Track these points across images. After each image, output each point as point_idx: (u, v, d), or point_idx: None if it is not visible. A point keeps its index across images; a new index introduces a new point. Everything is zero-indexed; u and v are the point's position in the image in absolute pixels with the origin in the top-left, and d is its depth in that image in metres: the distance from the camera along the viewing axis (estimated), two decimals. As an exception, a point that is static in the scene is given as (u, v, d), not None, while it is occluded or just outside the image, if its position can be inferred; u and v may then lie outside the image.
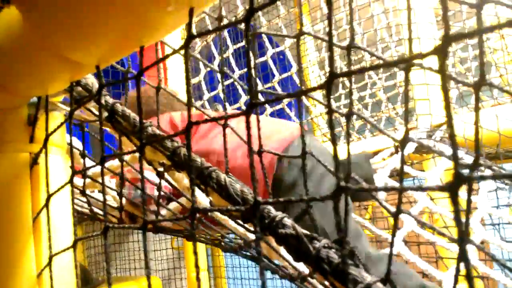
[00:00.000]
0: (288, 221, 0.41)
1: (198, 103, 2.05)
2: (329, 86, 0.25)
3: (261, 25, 2.11)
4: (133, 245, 2.90)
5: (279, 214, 0.42)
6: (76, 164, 0.64)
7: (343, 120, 2.15)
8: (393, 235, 0.36)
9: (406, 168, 1.20)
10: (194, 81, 2.18)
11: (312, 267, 0.39)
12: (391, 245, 0.36)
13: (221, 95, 2.03)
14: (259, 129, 0.49)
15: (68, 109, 0.56)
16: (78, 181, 0.79)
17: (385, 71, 2.13)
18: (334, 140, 0.27)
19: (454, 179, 0.19)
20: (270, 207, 0.42)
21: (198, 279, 0.32)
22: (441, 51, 0.21)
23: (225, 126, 0.47)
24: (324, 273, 0.39)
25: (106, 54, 0.40)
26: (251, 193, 0.44)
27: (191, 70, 2.55)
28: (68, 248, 0.44)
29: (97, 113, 0.57)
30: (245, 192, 0.44)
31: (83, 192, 0.74)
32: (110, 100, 0.55)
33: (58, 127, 0.46)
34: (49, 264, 0.47)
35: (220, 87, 2.05)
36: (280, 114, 2.10)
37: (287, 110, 2.14)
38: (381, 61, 0.34)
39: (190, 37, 0.33)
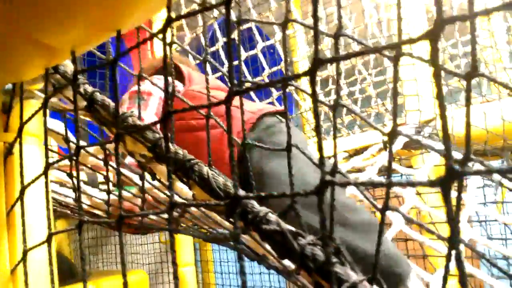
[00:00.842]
0: (272, 217, 0.39)
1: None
2: (313, 72, 0.23)
3: (251, 18, 2.08)
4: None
5: (263, 209, 0.40)
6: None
7: (332, 114, 2.14)
8: (380, 232, 0.34)
9: (394, 165, 1.19)
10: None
11: (297, 264, 0.38)
12: (377, 244, 0.34)
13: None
14: (243, 120, 0.47)
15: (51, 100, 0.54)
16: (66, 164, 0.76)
17: (375, 66, 2.12)
18: (319, 131, 0.25)
19: (446, 173, 0.18)
20: (254, 202, 0.41)
21: (175, 277, 0.31)
22: (433, 35, 0.20)
23: (208, 117, 0.45)
24: (309, 271, 0.37)
25: (81, 38, 0.38)
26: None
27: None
28: (42, 243, 0.42)
29: (78, 103, 0.55)
30: (228, 186, 0.42)
31: (70, 175, 0.71)
32: (89, 89, 0.52)
33: (33, 115, 0.44)
34: (24, 259, 0.45)
35: (210, 79, 2.02)
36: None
37: (277, 104, 2.13)
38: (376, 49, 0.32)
39: (169, 21, 0.31)
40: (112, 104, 0.52)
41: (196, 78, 1.28)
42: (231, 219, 0.47)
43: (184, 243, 2.07)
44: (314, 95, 0.25)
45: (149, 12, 0.36)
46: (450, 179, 0.18)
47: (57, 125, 0.55)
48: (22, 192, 0.45)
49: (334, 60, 0.24)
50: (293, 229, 0.38)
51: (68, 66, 0.55)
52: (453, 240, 0.22)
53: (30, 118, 0.44)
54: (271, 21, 0.48)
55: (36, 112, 0.44)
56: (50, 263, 0.42)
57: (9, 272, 0.48)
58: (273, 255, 0.47)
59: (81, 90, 0.53)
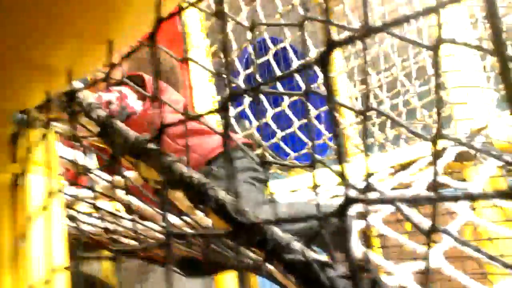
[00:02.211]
0: (296, 245, 0.34)
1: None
2: (326, 56, 0.18)
3: (285, 36, 2.05)
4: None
5: (286, 237, 0.35)
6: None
7: (375, 130, 2.05)
8: (428, 259, 0.28)
9: (444, 179, 1.09)
10: (218, 97, 2.13)
11: (327, 301, 0.32)
12: (427, 272, 0.28)
13: (247, 111, 1.98)
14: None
15: (59, 125, 0.51)
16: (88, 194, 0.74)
17: (418, 77, 2.02)
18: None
19: None
20: (275, 228, 0.35)
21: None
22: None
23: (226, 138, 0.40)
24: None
25: (75, 54, 0.35)
26: (253, 213, 0.37)
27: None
28: (46, 281, 0.39)
29: (91, 128, 0.52)
30: (246, 213, 0.37)
31: (96, 208, 0.69)
32: (102, 113, 0.50)
33: (35, 144, 0.41)
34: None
35: (246, 102, 1.99)
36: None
37: (316, 122, 2.06)
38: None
39: (159, 21, 0.27)
40: (124, 128, 0.49)
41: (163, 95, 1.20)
42: (252, 248, 0.42)
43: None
44: (328, 85, 0.20)
45: (141, 24, 0.32)
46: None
47: (68, 153, 0.52)
48: (27, 225, 0.42)
49: (352, 39, 0.19)
50: (321, 258, 0.33)
51: (81, 91, 0.52)
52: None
53: (32, 148, 0.41)
54: (287, 23, 0.43)
55: (40, 140, 0.41)
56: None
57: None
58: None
59: (94, 115, 0.50)
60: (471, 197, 0.22)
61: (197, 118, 0.29)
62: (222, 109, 0.24)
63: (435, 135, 0.28)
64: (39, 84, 0.40)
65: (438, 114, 0.28)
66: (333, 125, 0.22)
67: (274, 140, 1.95)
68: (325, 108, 1.94)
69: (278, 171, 1.90)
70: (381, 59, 2.08)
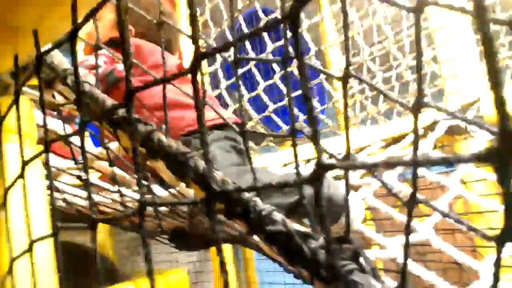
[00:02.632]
0: (277, 216, 0.33)
1: (214, 92, 1.98)
2: (295, 11, 0.16)
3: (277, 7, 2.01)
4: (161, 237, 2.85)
5: (267, 208, 0.33)
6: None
7: (368, 103, 2.03)
8: (407, 232, 0.27)
9: (435, 153, 1.08)
10: (210, 69, 2.09)
11: (308, 272, 0.31)
12: (405, 246, 0.27)
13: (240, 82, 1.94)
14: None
15: (33, 92, 0.49)
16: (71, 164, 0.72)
17: (412, 50, 1.99)
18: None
19: (502, 141, 0.11)
20: (257, 199, 0.34)
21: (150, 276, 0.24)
22: None
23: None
24: (324, 280, 0.30)
25: (42, 10, 0.33)
26: (234, 183, 0.36)
27: (208, 59, 2.47)
28: (26, 252, 0.37)
29: (68, 96, 0.51)
30: (226, 182, 0.36)
31: (81, 179, 0.68)
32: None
33: (7, 111, 0.39)
34: (11, 270, 0.41)
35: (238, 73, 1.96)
36: (299, 100, 1.99)
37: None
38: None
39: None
40: (101, 96, 0.47)
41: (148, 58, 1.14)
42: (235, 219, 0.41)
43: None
44: (297, 44, 0.18)
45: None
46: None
47: (44, 120, 0.50)
48: (5, 195, 0.40)
49: None
50: (302, 229, 0.32)
51: (55, 57, 0.50)
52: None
53: (5, 115, 0.39)
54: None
55: (10, 106, 0.39)
56: (32, 275, 0.37)
57: (-1, 284, 0.44)
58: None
59: (69, 81, 0.48)
60: (448, 162, 0.21)
61: (173, 78, 0.27)
62: (192, 70, 0.22)
63: (415, 102, 0.27)
64: (6, 47, 0.38)
65: (419, 79, 0.26)
66: (302, 86, 0.20)
67: (265, 113, 1.93)
68: (317, 80, 1.91)
69: (270, 144, 1.89)
70: (374, 31, 2.05)
